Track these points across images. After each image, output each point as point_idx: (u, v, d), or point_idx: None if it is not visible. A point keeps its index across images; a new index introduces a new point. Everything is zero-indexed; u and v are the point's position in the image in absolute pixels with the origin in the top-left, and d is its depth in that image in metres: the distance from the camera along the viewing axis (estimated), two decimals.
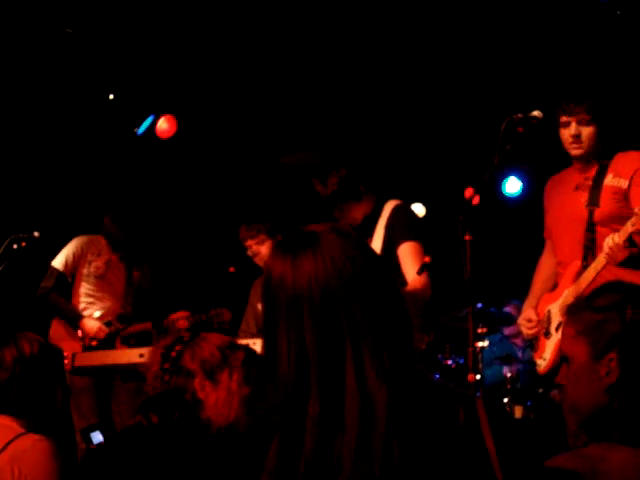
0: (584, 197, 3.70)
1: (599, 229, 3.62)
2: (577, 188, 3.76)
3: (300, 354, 1.41)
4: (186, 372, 2.29)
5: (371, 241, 4.05)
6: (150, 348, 2.54)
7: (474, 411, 1.42)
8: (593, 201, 3.65)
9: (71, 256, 5.24)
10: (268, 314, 1.46)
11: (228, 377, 2.31)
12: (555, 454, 1.90)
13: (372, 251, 1.54)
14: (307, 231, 1.50)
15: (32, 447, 2.39)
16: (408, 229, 4.00)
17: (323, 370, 1.40)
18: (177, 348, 2.34)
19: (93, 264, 5.28)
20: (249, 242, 4.95)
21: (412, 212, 4.31)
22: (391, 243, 3.98)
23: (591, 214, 3.65)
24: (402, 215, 4.09)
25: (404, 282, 3.88)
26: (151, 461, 2.11)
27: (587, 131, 3.64)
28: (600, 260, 3.48)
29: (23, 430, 2.46)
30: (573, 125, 3.65)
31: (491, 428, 1.44)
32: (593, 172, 3.72)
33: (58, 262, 5.23)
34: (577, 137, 3.64)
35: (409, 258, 3.93)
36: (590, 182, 3.70)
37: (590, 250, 3.62)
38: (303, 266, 1.43)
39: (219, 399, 2.27)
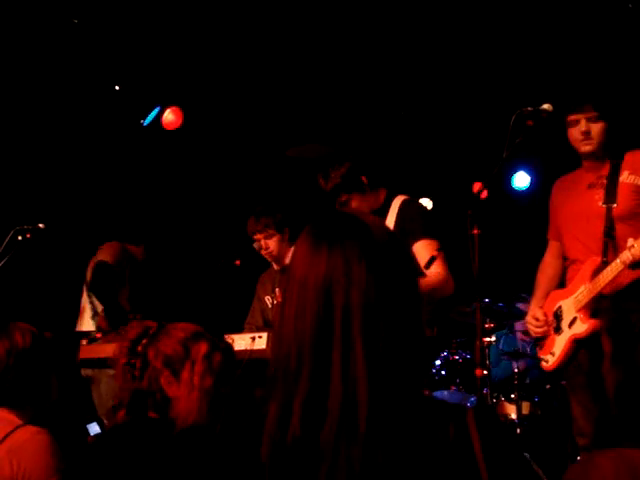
0: (599, 195, 3.71)
1: (618, 226, 3.64)
2: (590, 186, 3.77)
3: (300, 328, 1.46)
4: (153, 369, 2.29)
5: None
6: None
7: (464, 423, 1.42)
8: (610, 198, 3.66)
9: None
10: (286, 285, 1.54)
11: (189, 371, 2.30)
12: (561, 451, 1.86)
13: (402, 256, 1.55)
14: (341, 220, 1.55)
15: (30, 439, 2.36)
16: (420, 226, 3.98)
17: (316, 352, 1.44)
18: (143, 342, 2.33)
19: None
20: (257, 236, 4.90)
21: (421, 207, 4.26)
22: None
23: (609, 211, 3.65)
24: (411, 211, 4.06)
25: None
26: (123, 461, 2.11)
27: (597, 127, 3.68)
28: (617, 265, 3.46)
29: (21, 422, 2.43)
30: (583, 122, 3.68)
31: (488, 437, 1.41)
32: (606, 171, 3.74)
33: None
34: (587, 133, 3.68)
35: (426, 256, 3.90)
36: (604, 180, 3.72)
37: (610, 246, 3.61)
38: (320, 253, 1.50)
39: (183, 395, 2.27)
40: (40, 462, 2.31)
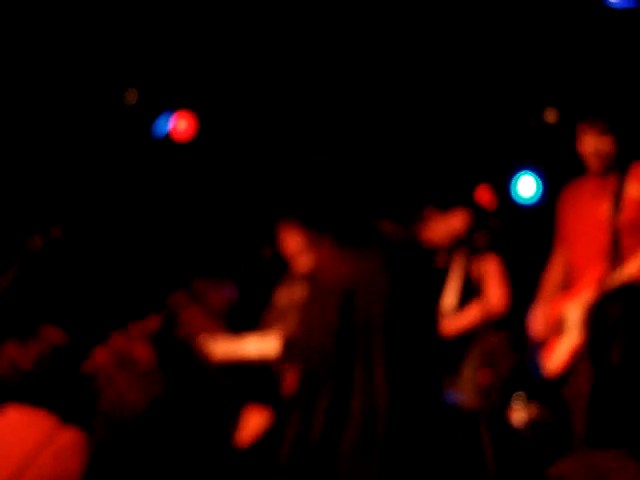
0: (605, 204, 3.78)
1: (624, 237, 3.70)
2: (596, 196, 3.84)
3: (325, 336, 1.47)
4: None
5: None
6: None
7: (477, 430, 1.46)
8: (616, 209, 3.72)
9: None
10: (310, 293, 1.54)
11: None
12: (570, 454, 1.89)
13: (422, 268, 1.54)
14: (364, 228, 1.55)
15: (71, 441, 2.42)
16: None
17: (338, 367, 1.45)
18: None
19: None
20: (277, 233, 5.00)
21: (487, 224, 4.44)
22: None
23: (614, 221, 3.71)
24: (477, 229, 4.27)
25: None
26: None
27: (603, 144, 3.75)
28: (621, 276, 3.55)
29: (59, 424, 2.48)
30: (591, 139, 3.76)
31: (495, 444, 1.46)
32: (612, 180, 3.79)
33: None
34: (596, 150, 3.76)
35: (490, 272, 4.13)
36: (610, 190, 3.78)
37: (615, 255, 3.67)
38: (343, 261, 1.49)
39: None
40: (79, 463, 2.35)
